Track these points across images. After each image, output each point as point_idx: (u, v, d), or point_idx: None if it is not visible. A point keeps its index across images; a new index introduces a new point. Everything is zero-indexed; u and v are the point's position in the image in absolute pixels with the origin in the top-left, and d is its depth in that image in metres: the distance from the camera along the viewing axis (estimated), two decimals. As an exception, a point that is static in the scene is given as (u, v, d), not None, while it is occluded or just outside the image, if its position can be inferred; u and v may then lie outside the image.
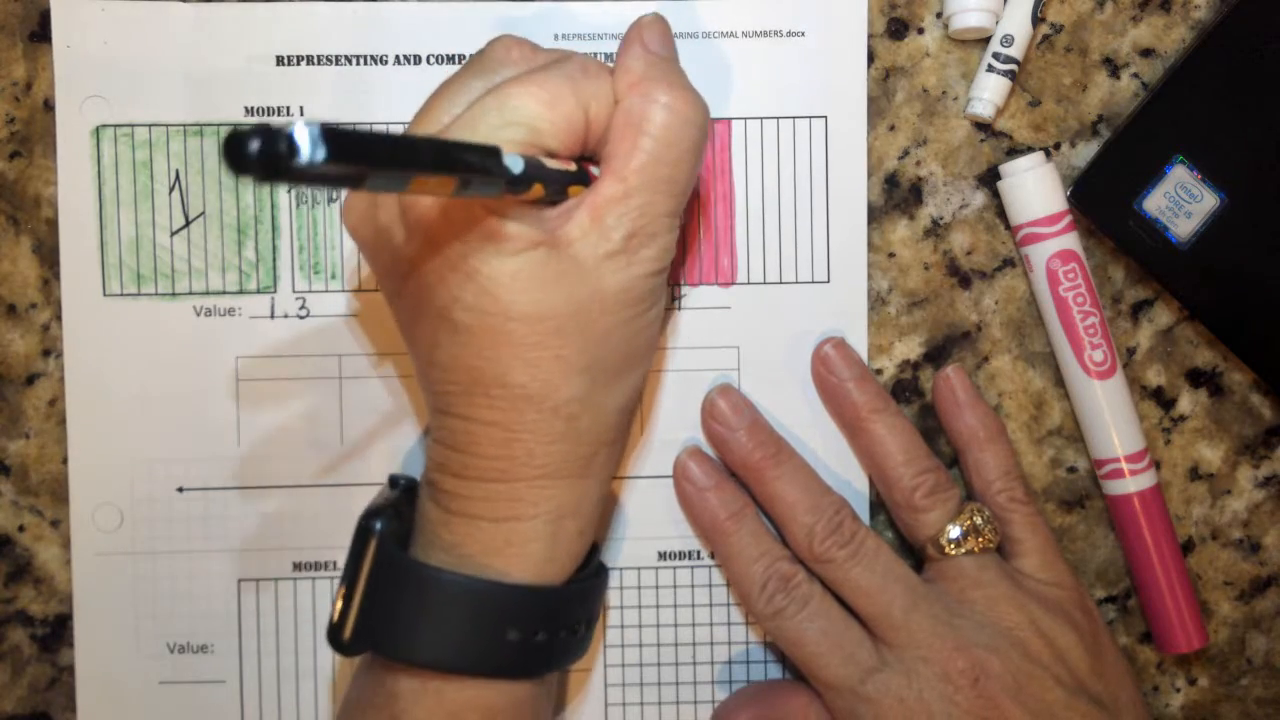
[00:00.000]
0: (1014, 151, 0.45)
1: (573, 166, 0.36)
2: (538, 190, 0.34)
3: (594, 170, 0.38)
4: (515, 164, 0.32)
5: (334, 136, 0.24)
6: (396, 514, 0.39)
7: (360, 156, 0.25)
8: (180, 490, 0.45)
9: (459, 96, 0.36)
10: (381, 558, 0.37)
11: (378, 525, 0.38)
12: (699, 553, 0.46)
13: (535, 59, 0.37)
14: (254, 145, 0.23)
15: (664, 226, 0.37)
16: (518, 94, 0.35)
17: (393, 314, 0.39)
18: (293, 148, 0.23)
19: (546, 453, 0.37)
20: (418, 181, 0.28)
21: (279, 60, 0.44)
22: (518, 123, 0.34)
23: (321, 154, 0.24)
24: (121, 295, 0.44)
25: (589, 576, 0.40)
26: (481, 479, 0.37)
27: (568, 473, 0.38)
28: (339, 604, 0.38)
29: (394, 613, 0.37)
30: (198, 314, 0.45)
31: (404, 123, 0.44)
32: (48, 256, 0.45)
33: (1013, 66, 0.44)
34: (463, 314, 0.35)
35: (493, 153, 0.31)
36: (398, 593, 0.37)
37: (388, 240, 0.36)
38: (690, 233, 0.45)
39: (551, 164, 0.35)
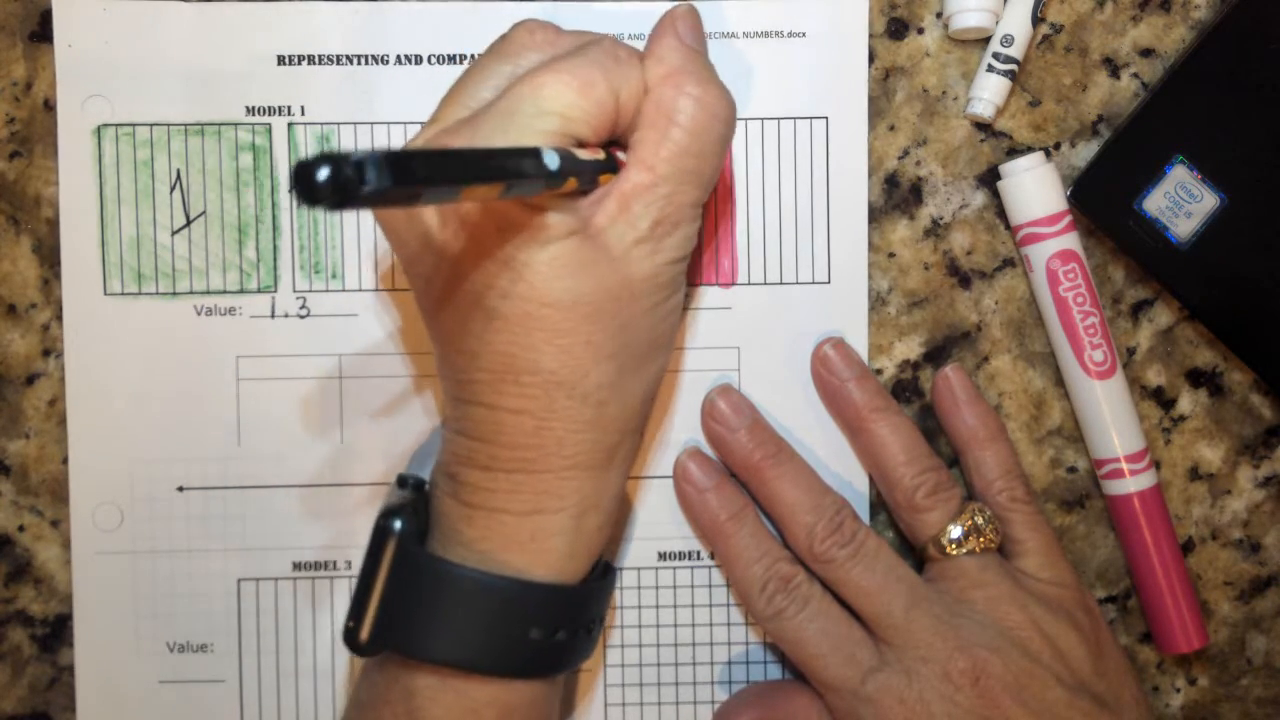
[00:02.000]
0: (1014, 151, 0.46)
1: (601, 154, 0.37)
2: (572, 183, 0.34)
3: (621, 156, 0.38)
4: (552, 160, 0.33)
5: (395, 161, 0.25)
6: (414, 513, 0.39)
7: (420, 178, 0.27)
8: (180, 490, 0.45)
9: (485, 82, 0.37)
10: (401, 557, 0.37)
11: (397, 524, 0.38)
12: (699, 553, 0.46)
13: (559, 42, 0.37)
14: (323, 175, 0.24)
15: (688, 216, 0.37)
16: (551, 82, 0.35)
17: (419, 302, 0.39)
18: (360, 175, 0.24)
19: (576, 441, 0.37)
20: (467, 191, 0.29)
21: (280, 60, 0.44)
22: (552, 112, 0.35)
23: (387, 180, 0.25)
24: (122, 294, 0.44)
25: (599, 575, 0.40)
26: (508, 470, 0.37)
27: (594, 462, 0.38)
28: (356, 605, 0.38)
29: (414, 612, 0.37)
30: (198, 313, 0.45)
31: (405, 122, 0.44)
32: (48, 256, 0.45)
33: (1013, 66, 0.44)
34: (497, 300, 0.35)
35: (534, 154, 0.32)
36: (419, 592, 0.37)
37: (420, 228, 0.36)
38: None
39: (583, 155, 0.35)
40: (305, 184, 0.24)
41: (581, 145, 0.36)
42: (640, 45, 0.40)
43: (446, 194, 0.29)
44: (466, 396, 0.37)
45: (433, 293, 0.37)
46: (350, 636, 0.37)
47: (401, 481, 0.41)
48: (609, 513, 0.39)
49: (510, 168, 0.31)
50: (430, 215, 0.36)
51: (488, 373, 0.36)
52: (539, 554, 0.37)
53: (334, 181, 0.24)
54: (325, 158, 0.24)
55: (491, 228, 0.35)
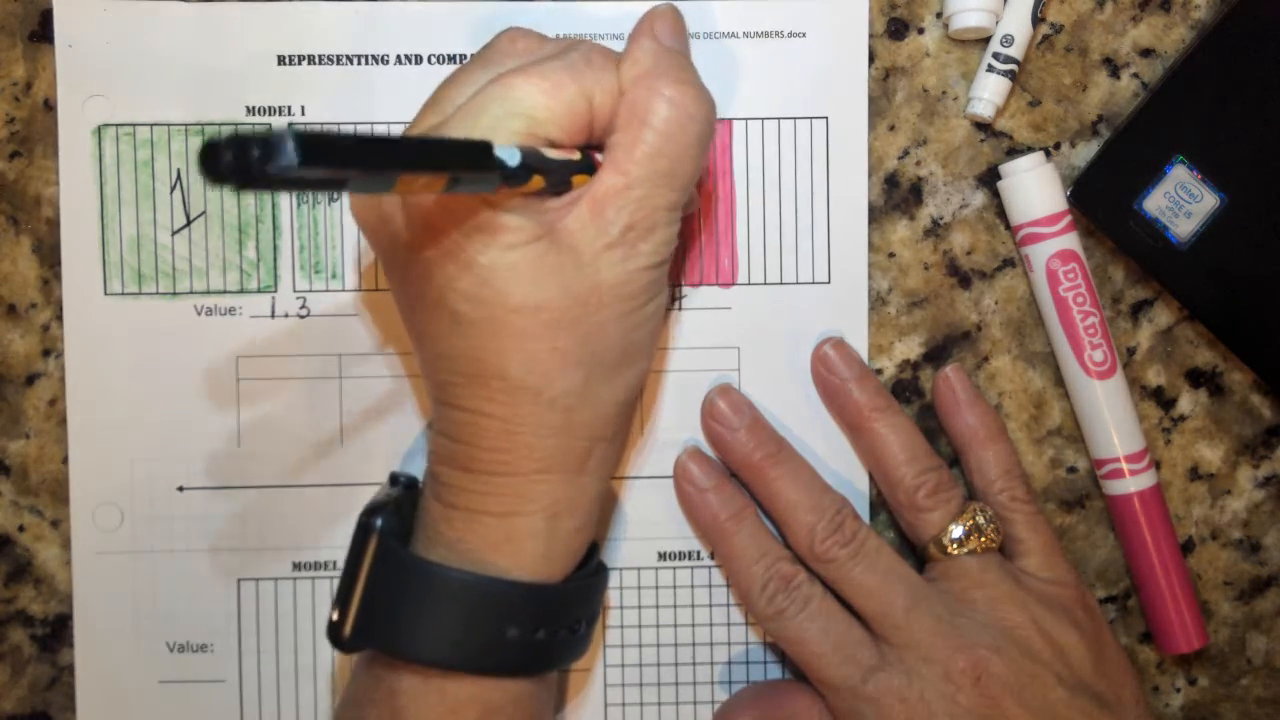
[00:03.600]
0: (1014, 151, 0.46)
1: (577, 155, 0.36)
2: (537, 182, 0.34)
3: (599, 158, 0.37)
4: (512, 156, 0.32)
5: (309, 141, 0.24)
6: (397, 511, 0.39)
7: (338, 160, 0.25)
8: (180, 490, 0.45)
9: (465, 88, 0.36)
10: (382, 554, 0.37)
11: (378, 522, 0.38)
12: (699, 553, 0.46)
13: (541, 49, 0.37)
14: (227, 155, 0.23)
15: (663, 219, 0.36)
16: (519, 84, 0.35)
17: (395, 302, 0.39)
18: (267, 154, 0.23)
19: (544, 446, 0.37)
20: (403, 181, 0.28)
21: (280, 60, 0.44)
22: (519, 113, 0.34)
23: (296, 159, 0.23)
24: (122, 294, 0.44)
25: (588, 575, 0.40)
26: (484, 472, 0.37)
27: (564, 467, 0.38)
28: (339, 601, 0.38)
29: (395, 609, 0.37)
30: (198, 313, 0.45)
31: (405, 122, 0.44)
32: (48, 256, 0.45)
33: (1013, 66, 0.44)
34: (461, 303, 0.35)
35: (483, 149, 0.31)
36: (398, 589, 0.37)
37: (389, 226, 0.36)
38: (690, 233, 0.45)
39: (554, 154, 0.35)
40: (210, 163, 0.23)
41: (554, 147, 0.36)
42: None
43: (378, 182, 0.27)
44: (445, 398, 0.37)
45: (406, 294, 0.37)
46: (333, 632, 0.38)
47: (393, 479, 0.41)
48: (586, 515, 0.39)
49: (450, 158, 0.30)
50: (397, 214, 0.36)
51: (461, 376, 0.36)
52: (515, 555, 0.37)
53: (238, 162, 0.23)
54: (233, 137, 0.23)
55: (453, 229, 0.34)
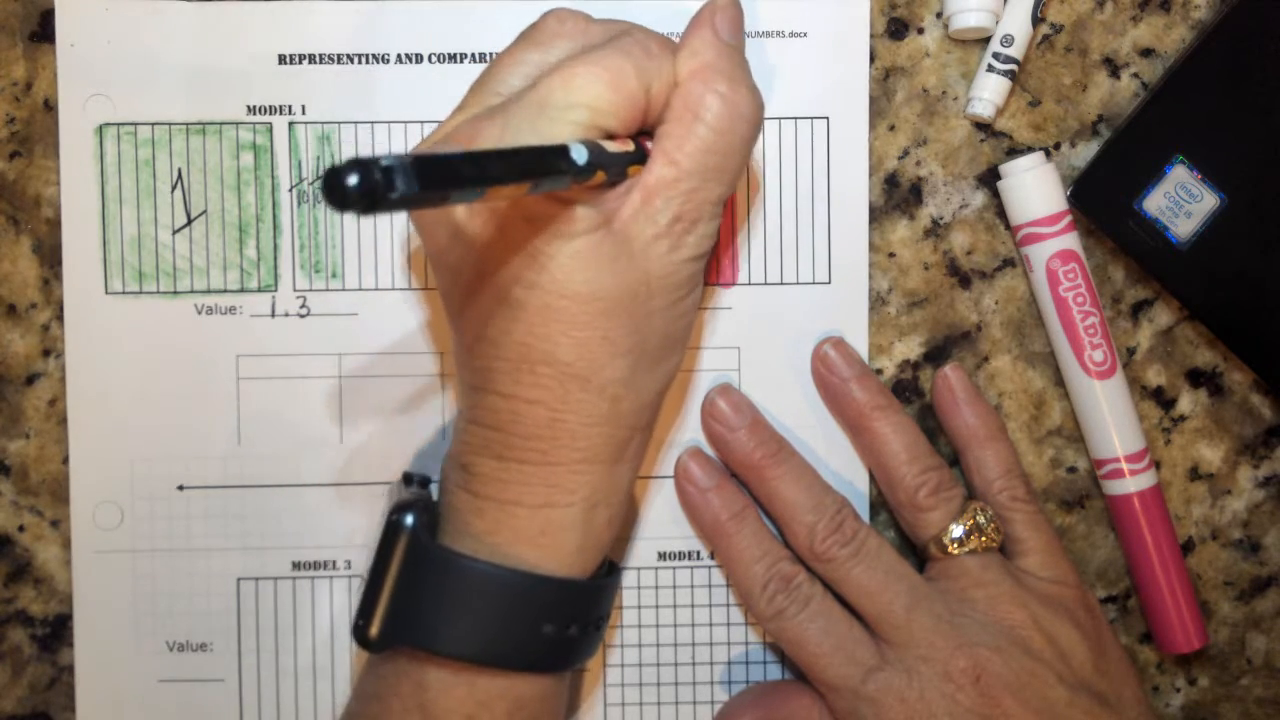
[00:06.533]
0: (1014, 151, 0.46)
1: (631, 146, 0.37)
2: (600, 176, 0.35)
3: (650, 146, 0.38)
4: (580, 155, 0.33)
5: (424, 167, 0.26)
6: (425, 509, 0.39)
7: (448, 182, 0.27)
8: (180, 489, 0.45)
9: (515, 70, 0.37)
10: (413, 551, 0.37)
11: (409, 519, 0.38)
12: (699, 553, 0.46)
13: (590, 32, 0.38)
14: (352, 181, 0.25)
15: (709, 213, 0.37)
16: (582, 74, 0.35)
17: (443, 293, 0.39)
18: (389, 180, 0.25)
19: (588, 434, 0.37)
20: (493, 190, 0.30)
21: (281, 59, 0.44)
22: (582, 104, 0.35)
23: (415, 185, 0.26)
24: (123, 294, 0.44)
25: (606, 573, 0.40)
26: (520, 461, 0.37)
27: (605, 457, 0.38)
28: (366, 601, 0.37)
29: (426, 606, 0.37)
30: (199, 312, 0.45)
31: (405, 121, 0.44)
32: (48, 256, 0.45)
33: (1013, 66, 0.44)
34: (522, 292, 0.35)
35: (561, 153, 0.32)
36: (431, 585, 0.37)
37: (450, 222, 0.36)
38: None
39: (612, 147, 0.36)
40: (335, 190, 0.25)
41: (610, 138, 0.36)
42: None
43: (473, 194, 0.29)
44: (484, 385, 0.37)
45: (460, 283, 0.37)
46: (360, 633, 0.37)
47: (408, 479, 0.41)
48: (618, 508, 0.39)
49: (537, 167, 0.31)
50: (459, 208, 0.36)
51: (506, 361, 0.36)
52: (549, 548, 0.37)
53: (363, 187, 0.25)
54: (354, 164, 0.24)
55: (519, 220, 0.35)
